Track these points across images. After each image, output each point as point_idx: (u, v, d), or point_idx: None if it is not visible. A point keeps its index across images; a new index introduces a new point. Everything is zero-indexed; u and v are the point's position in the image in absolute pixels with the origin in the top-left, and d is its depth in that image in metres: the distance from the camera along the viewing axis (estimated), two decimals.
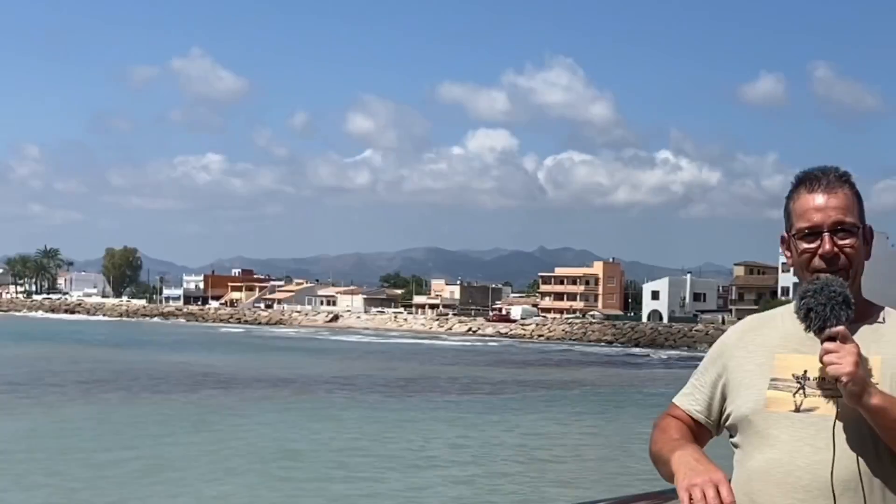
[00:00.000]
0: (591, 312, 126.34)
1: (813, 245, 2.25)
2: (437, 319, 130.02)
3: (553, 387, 45.46)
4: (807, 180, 2.28)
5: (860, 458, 2.12)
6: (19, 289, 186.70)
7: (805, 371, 2.19)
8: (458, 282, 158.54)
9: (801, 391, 2.19)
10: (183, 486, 18.84)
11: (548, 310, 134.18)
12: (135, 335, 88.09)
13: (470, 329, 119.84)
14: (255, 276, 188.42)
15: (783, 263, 75.97)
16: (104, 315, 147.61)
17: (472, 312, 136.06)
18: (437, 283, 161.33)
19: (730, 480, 2.11)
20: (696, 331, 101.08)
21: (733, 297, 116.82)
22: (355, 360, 61.11)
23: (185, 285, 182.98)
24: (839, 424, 2.14)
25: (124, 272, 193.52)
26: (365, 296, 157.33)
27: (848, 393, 2.07)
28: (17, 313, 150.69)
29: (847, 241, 2.24)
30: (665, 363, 71.56)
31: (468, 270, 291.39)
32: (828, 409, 2.16)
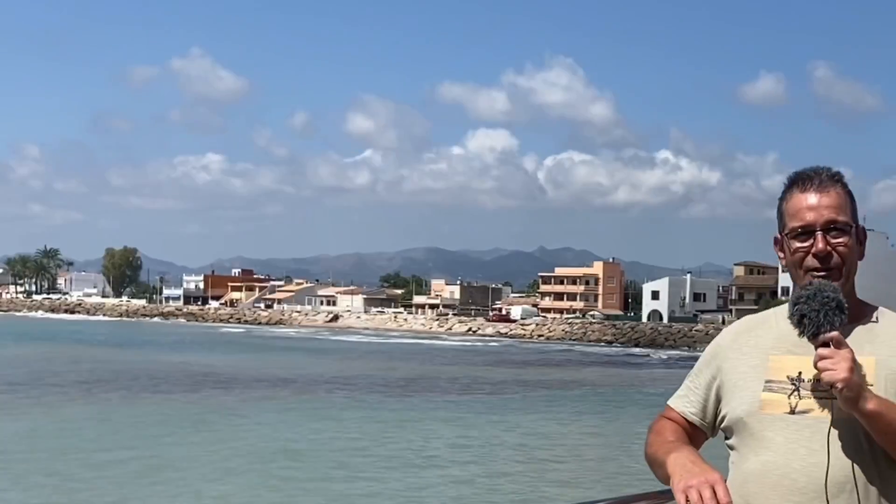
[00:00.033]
0: (591, 312, 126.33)
1: (806, 244, 2.25)
2: (437, 319, 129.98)
3: (553, 387, 45.46)
4: (799, 180, 2.29)
5: (855, 461, 2.12)
6: (19, 289, 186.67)
7: (799, 373, 2.19)
8: (458, 282, 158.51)
9: (795, 393, 2.19)
10: (183, 486, 18.84)
11: (548, 310, 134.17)
12: (135, 335, 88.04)
13: (470, 329, 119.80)
14: (255, 276, 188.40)
15: None
16: (104, 315, 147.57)
17: (472, 312, 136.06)
18: (437, 283, 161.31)
19: (725, 481, 2.10)
20: (696, 331, 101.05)
21: (733, 297, 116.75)
22: (355, 360, 61.09)
23: (185, 285, 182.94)
24: (834, 426, 2.13)
25: (124, 272, 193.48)
26: (365, 296, 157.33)
27: (843, 399, 2.06)
28: (18, 313, 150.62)
29: (840, 240, 2.24)
30: (665, 363, 71.52)
31: (468, 270, 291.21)
32: (823, 411, 2.15)
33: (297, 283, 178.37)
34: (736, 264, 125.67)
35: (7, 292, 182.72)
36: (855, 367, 2.07)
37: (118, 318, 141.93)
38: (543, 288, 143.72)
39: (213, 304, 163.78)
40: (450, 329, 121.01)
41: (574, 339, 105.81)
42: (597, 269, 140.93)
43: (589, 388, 45.00)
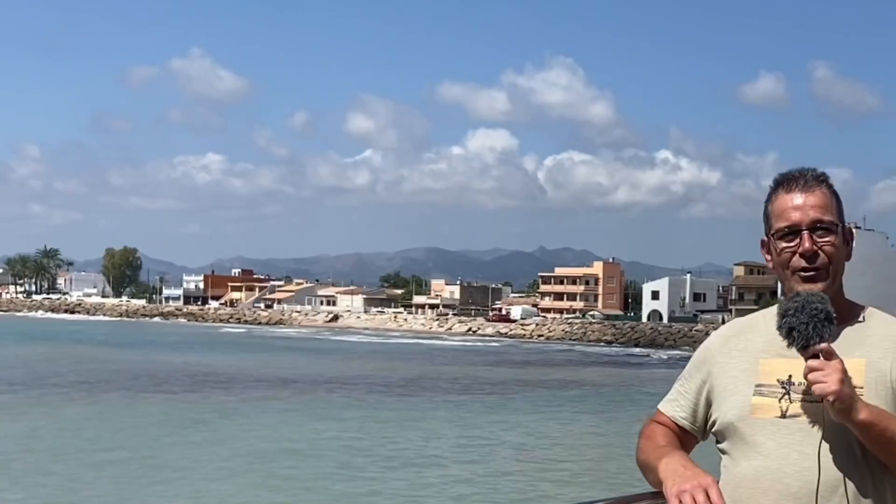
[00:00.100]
0: (591, 312, 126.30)
1: (793, 244, 2.25)
2: (437, 319, 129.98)
3: (553, 387, 45.45)
4: (784, 181, 2.30)
5: (847, 465, 2.12)
6: (19, 289, 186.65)
7: (790, 376, 2.18)
8: (458, 282, 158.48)
9: (786, 397, 2.18)
10: (183, 486, 18.84)
11: (548, 310, 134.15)
12: (135, 335, 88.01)
13: (470, 329, 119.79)
14: (255, 276, 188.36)
15: None
16: (104, 315, 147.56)
17: (472, 312, 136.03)
18: (437, 283, 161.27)
19: (718, 484, 2.11)
20: (695, 331, 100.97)
21: (733, 297, 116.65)
22: (355, 361, 61.08)
23: (185, 285, 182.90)
24: (826, 430, 2.13)
25: (124, 272, 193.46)
26: (365, 296, 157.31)
27: (835, 411, 2.05)
28: (18, 313, 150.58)
29: (826, 240, 2.24)
30: (665, 363, 71.46)
31: (468, 270, 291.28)
32: (814, 414, 2.15)
33: (297, 284, 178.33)
34: (736, 264, 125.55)
35: (7, 292, 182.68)
36: (846, 378, 2.05)
37: (118, 318, 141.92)
38: (543, 288, 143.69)
39: (213, 304, 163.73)
40: (450, 329, 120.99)
41: (574, 339, 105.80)
42: (597, 269, 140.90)
43: (589, 388, 45.02)
